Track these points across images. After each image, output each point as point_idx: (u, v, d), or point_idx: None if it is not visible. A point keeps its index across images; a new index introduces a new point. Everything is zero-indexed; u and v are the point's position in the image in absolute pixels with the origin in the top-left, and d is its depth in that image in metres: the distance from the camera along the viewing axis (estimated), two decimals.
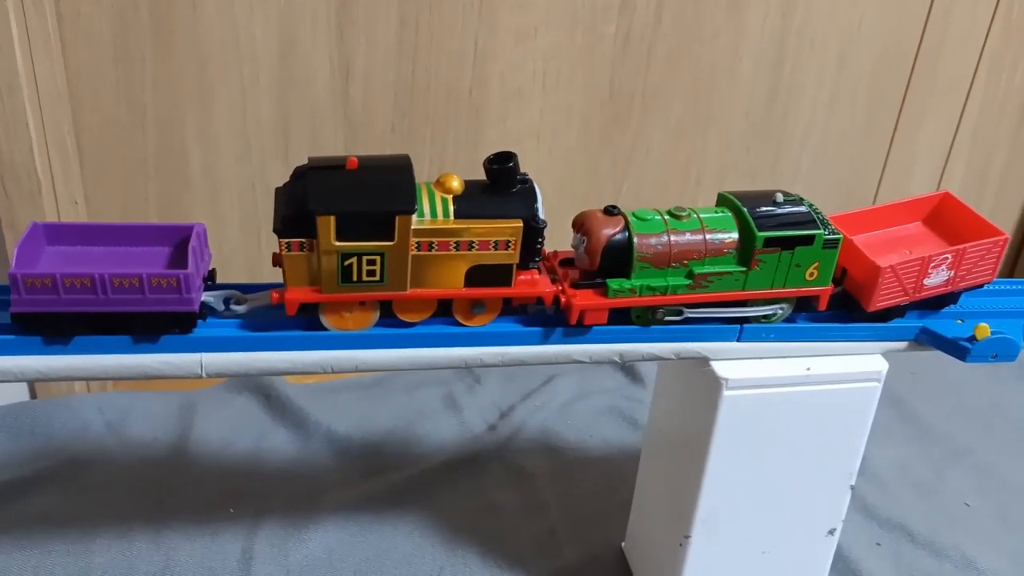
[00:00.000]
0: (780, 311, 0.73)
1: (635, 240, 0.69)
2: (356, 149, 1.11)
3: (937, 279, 0.72)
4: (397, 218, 0.64)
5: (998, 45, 1.28)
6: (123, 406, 1.10)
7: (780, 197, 0.71)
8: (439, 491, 1.03)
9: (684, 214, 0.71)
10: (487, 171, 0.67)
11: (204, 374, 0.66)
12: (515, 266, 0.68)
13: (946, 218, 0.77)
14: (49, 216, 1.02)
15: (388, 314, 0.69)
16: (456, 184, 0.67)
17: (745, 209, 0.70)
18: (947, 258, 0.72)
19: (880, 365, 0.74)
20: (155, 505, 0.97)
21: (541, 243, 0.68)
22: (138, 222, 0.71)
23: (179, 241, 0.69)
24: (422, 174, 0.67)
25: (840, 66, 1.23)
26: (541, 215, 0.67)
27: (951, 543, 1.01)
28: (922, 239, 0.76)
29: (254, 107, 1.06)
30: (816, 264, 0.70)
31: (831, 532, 0.81)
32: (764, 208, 0.70)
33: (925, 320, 0.74)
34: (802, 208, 0.71)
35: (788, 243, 0.69)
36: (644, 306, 0.70)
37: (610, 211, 0.70)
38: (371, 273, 0.65)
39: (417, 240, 0.65)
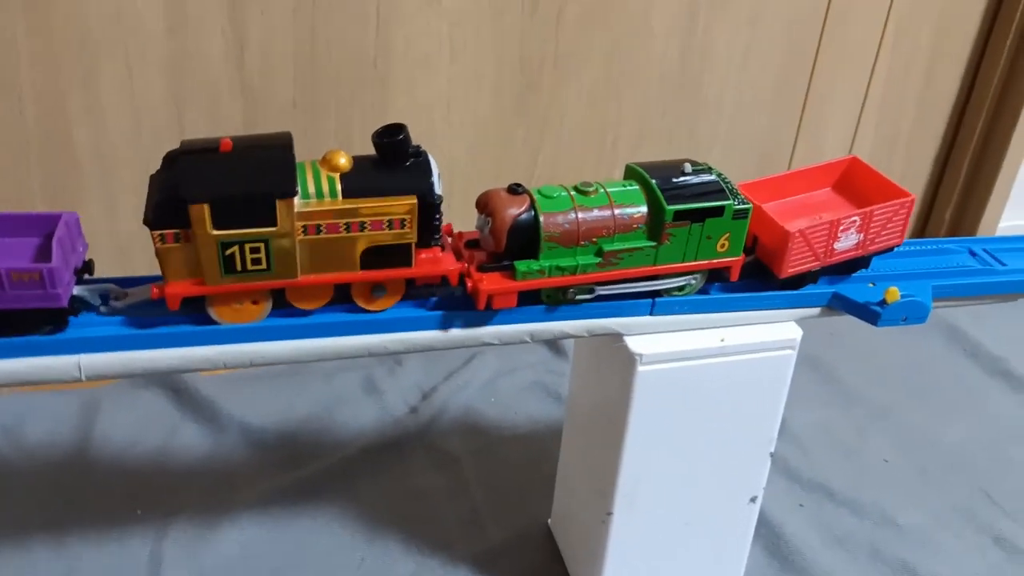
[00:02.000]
0: (692, 282, 0.71)
1: (541, 219, 0.66)
2: (256, 126, 1.06)
3: (847, 243, 0.71)
4: (277, 201, 0.59)
5: (904, 5, 1.28)
6: (20, 409, 1.04)
7: (688, 167, 0.69)
8: (359, 479, 1.00)
9: (591, 189, 0.68)
10: (376, 145, 0.63)
11: (83, 377, 0.62)
12: (413, 245, 0.64)
13: (855, 182, 0.76)
14: None
15: (283, 303, 0.65)
16: (344, 161, 0.63)
17: (654, 182, 0.68)
18: (856, 221, 0.71)
19: (794, 333, 0.73)
20: (56, 512, 0.93)
21: (439, 219, 0.65)
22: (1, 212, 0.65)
23: (48, 232, 0.64)
24: (328, 149, 0.62)
25: (753, 25, 1.22)
26: (437, 190, 0.64)
27: (871, 501, 1.02)
28: (832, 204, 0.75)
29: (143, 85, 1.00)
30: (727, 235, 0.69)
31: (753, 500, 0.81)
32: (673, 180, 0.68)
33: (837, 286, 0.74)
34: (711, 177, 0.69)
35: (698, 215, 0.67)
36: (554, 287, 0.68)
37: (514, 190, 0.67)
38: (256, 261, 0.61)
39: (303, 224, 0.61)
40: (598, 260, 0.67)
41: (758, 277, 0.73)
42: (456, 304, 0.68)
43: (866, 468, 1.08)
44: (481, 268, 0.67)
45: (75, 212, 0.65)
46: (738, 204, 0.68)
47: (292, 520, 0.94)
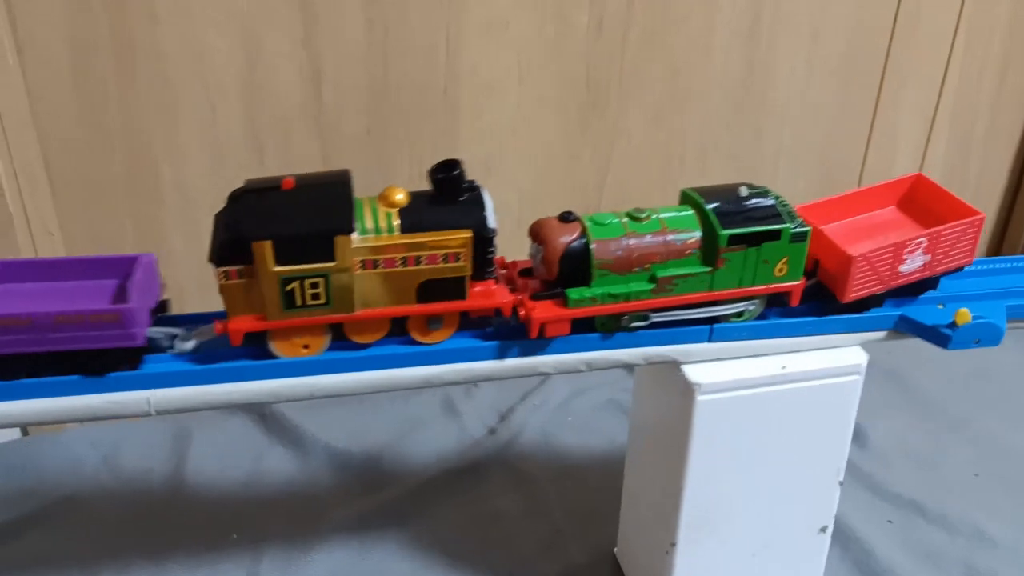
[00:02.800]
0: (751, 308, 0.70)
1: (593, 246, 0.66)
2: (331, 155, 1.09)
3: (913, 265, 0.69)
4: (336, 238, 0.61)
5: (974, 10, 1.23)
6: (116, 438, 1.09)
7: (744, 191, 0.68)
8: (441, 502, 1.02)
9: (644, 215, 0.68)
10: (432, 181, 0.65)
11: (153, 411, 0.65)
12: (468, 278, 0.65)
13: (920, 201, 0.73)
14: (24, 249, 1.02)
15: (341, 336, 0.67)
16: (401, 197, 0.64)
17: (708, 207, 0.67)
18: (922, 242, 0.68)
19: (859, 358, 0.71)
20: (155, 538, 0.96)
21: (493, 252, 0.66)
22: (83, 255, 0.69)
23: (127, 273, 0.68)
24: (401, 176, 0.64)
25: (814, 40, 1.19)
26: (491, 223, 0.65)
27: (960, 515, 0.99)
28: (897, 224, 0.73)
29: (224, 120, 1.05)
30: (785, 259, 0.67)
31: (823, 530, 0.79)
32: (728, 204, 0.67)
33: (904, 308, 0.71)
34: (768, 201, 0.68)
35: (754, 239, 0.66)
36: (607, 314, 0.68)
37: (566, 217, 0.68)
38: (315, 296, 0.63)
39: (361, 259, 0.63)
40: (651, 286, 0.67)
41: (820, 300, 0.71)
42: (513, 334, 0.69)
43: (951, 481, 1.05)
44: (534, 296, 0.68)
45: (152, 254, 0.69)
46: (796, 227, 0.67)
47: (377, 543, 0.96)
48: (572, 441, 1.10)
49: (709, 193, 0.69)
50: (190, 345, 0.66)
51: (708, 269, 0.67)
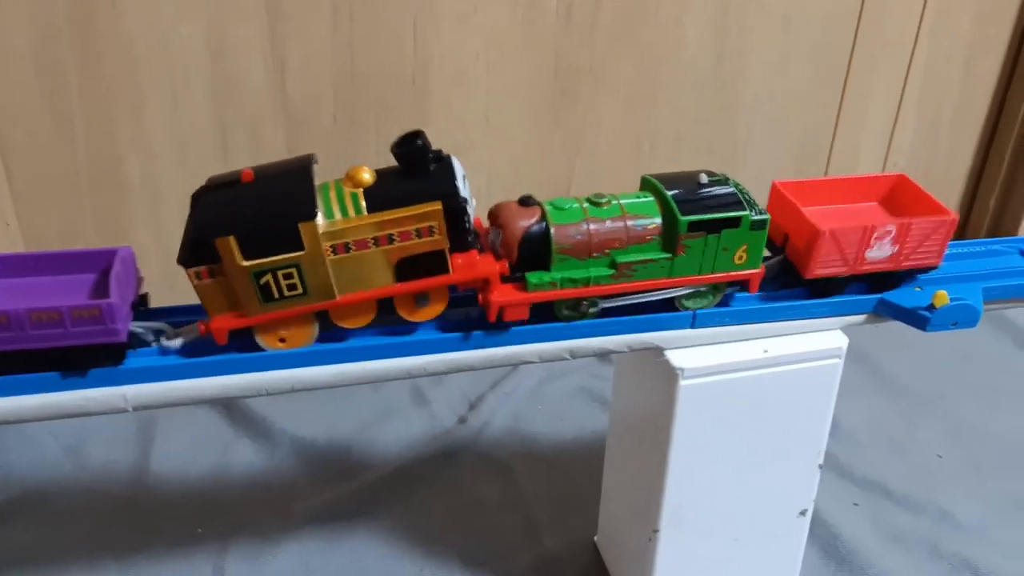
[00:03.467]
0: (709, 297, 0.70)
1: (552, 231, 0.66)
2: (298, 145, 1.08)
3: (880, 252, 0.70)
4: (300, 225, 0.60)
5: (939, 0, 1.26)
6: (79, 429, 1.07)
7: (704, 178, 0.68)
8: (414, 490, 1.01)
9: (604, 200, 0.67)
10: (395, 156, 0.63)
11: (130, 408, 0.64)
12: (447, 250, 0.63)
13: (902, 200, 0.74)
14: None
15: (329, 324, 0.65)
16: (367, 176, 0.62)
17: (668, 193, 0.67)
18: (890, 231, 0.69)
19: (840, 341, 0.72)
20: (120, 531, 0.95)
21: (468, 221, 0.64)
22: (58, 250, 0.67)
23: (103, 267, 0.66)
24: (370, 165, 0.63)
25: (786, 27, 1.21)
26: (464, 192, 0.63)
27: (926, 497, 1.01)
28: (873, 216, 0.74)
29: (189, 110, 1.03)
30: (744, 247, 0.68)
31: (803, 513, 0.80)
32: (688, 191, 0.67)
33: (883, 292, 0.72)
34: (727, 188, 0.68)
35: (714, 226, 0.66)
36: (567, 299, 0.67)
37: (525, 201, 0.67)
38: (291, 287, 0.62)
39: (331, 244, 0.61)
40: (611, 272, 0.67)
41: (785, 276, 0.72)
42: (497, 323, 0.68)
43: (919, 463, 1.07)
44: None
45: (129, 247, 0.67)
46: (756, 215, 0.67)
47: (350, 532, 0.96)
48: (544, 429, 1.11)
49: (669, 180, 0.69)
50: (177, 343, 0.65)
51: (668, 256, 0.67)
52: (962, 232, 1.47)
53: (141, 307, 0.67)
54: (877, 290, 0.73)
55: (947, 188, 1.43)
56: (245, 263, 0.60)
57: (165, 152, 1.04)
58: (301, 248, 0.60)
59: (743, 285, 0.70)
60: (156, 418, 1.09)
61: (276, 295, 0.62)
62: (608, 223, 0.66)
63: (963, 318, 0.70)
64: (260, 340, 0.65)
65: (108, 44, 0.97)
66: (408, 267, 0.63)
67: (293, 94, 1.06)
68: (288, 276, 0.61)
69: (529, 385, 1.17)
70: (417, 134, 0.62)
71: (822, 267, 0.70)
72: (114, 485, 1.01)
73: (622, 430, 0.84)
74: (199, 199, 0.62)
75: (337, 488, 1.01)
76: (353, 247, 0.62)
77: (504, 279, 0.66)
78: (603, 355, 0.71)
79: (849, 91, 1.28)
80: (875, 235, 0.69)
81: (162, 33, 0.98)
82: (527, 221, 0.66)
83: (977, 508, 1.00)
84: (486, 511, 0.99)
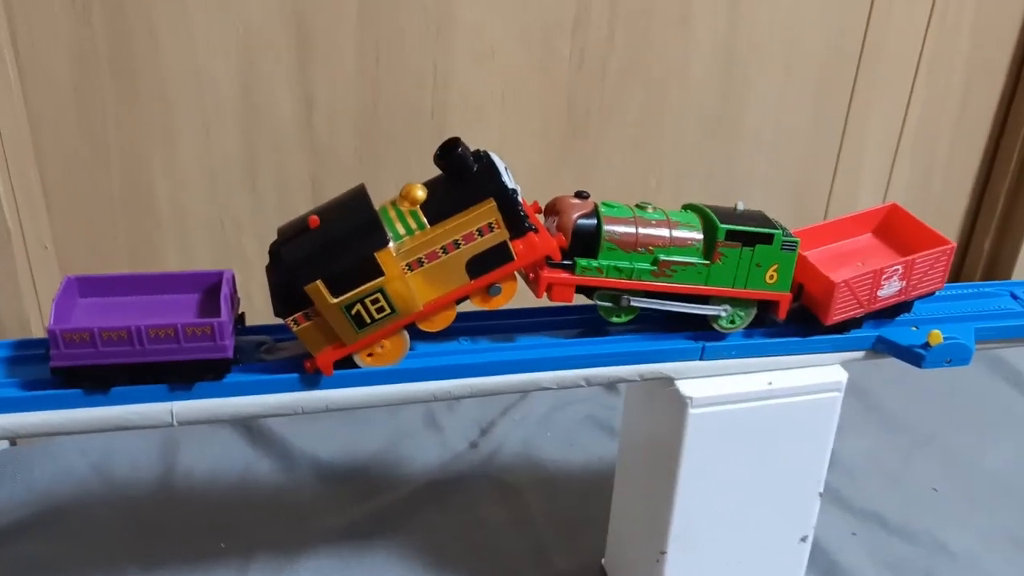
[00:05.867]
0: (742, 315, 0.74)
1: (603, 222, 0.70)
2: (322, 177, 1.12)
3: (890, 290, 0.74)
4: (376, 255, 0.64)
5: (936, 42, 1.30)
6: (105, 446, 1.10)
7: (741, 205, 0.73)
8: (427, 511, 1.05)
9: (650, 207, 0.73)
10: (439, 167, 0.67)
11: (175, 422, 0.68)
12: (508, 240, 0.67)
13: (895, 229, 0.79)
14: (20, 262, 1.03)
15: (417, 331, 0.70)
16: (420, 192, 0.67)
17: (708, 209, 0.72)
18: (898, 269, 0.74)
19: (839, 375, 0.76)
20: (145, 546, 0.98)
21: (520, 207, 0.67)
22: (167, 271, 0.72)
23: (208, 287, 0.71)
24: (389, 194, 0.67)
25: (787, 72, 1.25)
26: (510, 183, 0.67)
27: (922, 528, 1.04)
28: (873, 251, 0.78)
29: (219, 141, 1.07)
30: (775, 266, 0.72)
31: (803, 539, 0.83)
32: (726, 212, 0.73)
33: (881, 329, 0.77)
34: (760, 213, 0.73)
35: (749, 239, 0.71)
36: (609, 288, 0.71)
37: (580, 195, 0.72)
38: (380, 310, 0.66)
39: (406, 262, 0.66)
40: (653, 268, 0.71)
41: (803, 323, 0.76)
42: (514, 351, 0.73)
43: (915, 495, 1.10)
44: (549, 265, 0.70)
45: (231, 270, 0.71)
46: (786, 236, 0.72)
47: (365, 552, 0.99)
48: (554, 455, 1.14)
49: (709, 205, 0.74)
50: (274, 359, 0.70)
51: (706, 262, 0.71)
52: (957, 274, 1.51)
53: (239, 325, 0.71)
54: (890, 318, 0.77)
55: (943, 228, 1.46)
56: (335, 300, 0.64)
57: (195, 180, 1.08)
58: (381, 274, 0.65)
59: (772, 309, 0.74)
60: (179, 437, 1.13)
61: (368, 320, 0.66)
62: (654, 223, 0.71)
63: (956, 356, 0.74)
64: (359, 360, 0.69)
65: (145, 77, 1.01)
66: (478, 264, 0.67)
67: (319, 127, 1.10)
68: (375, 301, 0.66)
69: (539, 412, 1.20)
70: (455, 141, 0.67)
71: (840, 314, 0.74)
72: (138, 501, 1.04)
73: (631, 455, 0.87)
74: (278, 253, 0.66)
75: (354, 509, 1.04)
76: (426, 260, 0.66)
77: (554, 264, 0.70)
78: (616, 383, 0.75)
79: (849, 132, 1.32)
80: (884, 276, 0.73)
81: (196, 68, 1.02)
82: (581, 211, 0.71)
83: (970, 539, 1.03)
84: (496, 533, 1.02)
